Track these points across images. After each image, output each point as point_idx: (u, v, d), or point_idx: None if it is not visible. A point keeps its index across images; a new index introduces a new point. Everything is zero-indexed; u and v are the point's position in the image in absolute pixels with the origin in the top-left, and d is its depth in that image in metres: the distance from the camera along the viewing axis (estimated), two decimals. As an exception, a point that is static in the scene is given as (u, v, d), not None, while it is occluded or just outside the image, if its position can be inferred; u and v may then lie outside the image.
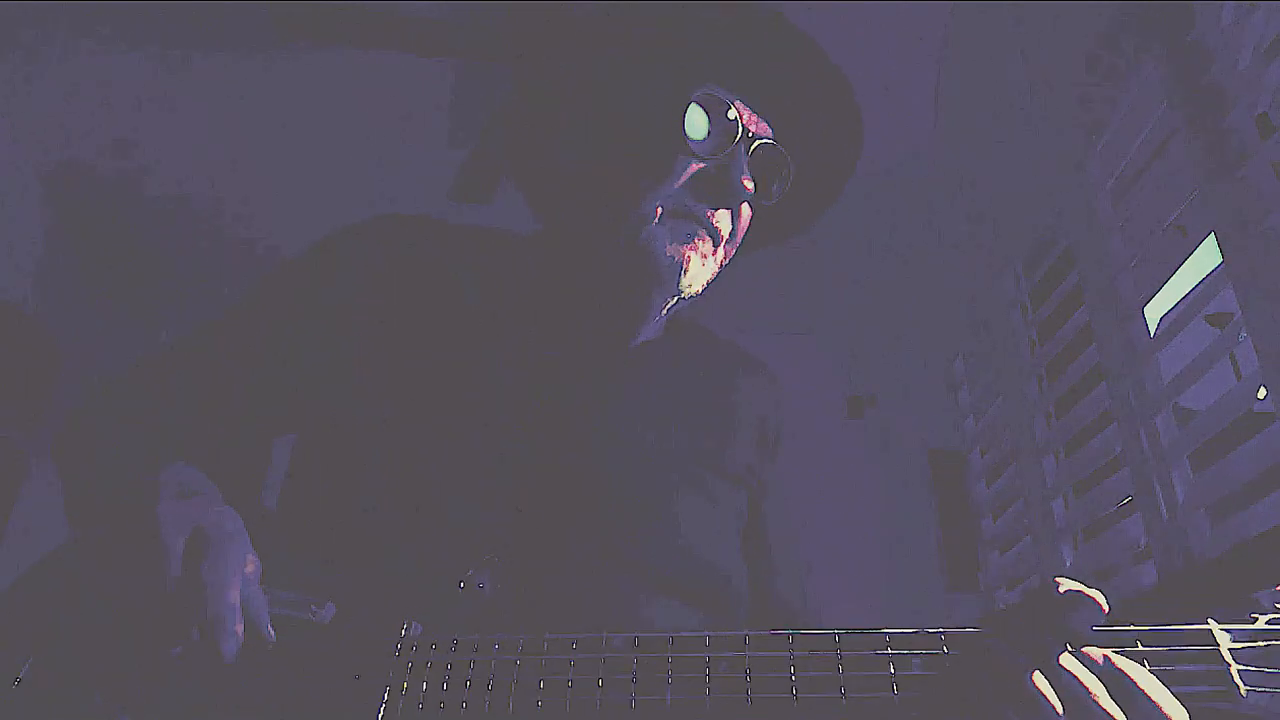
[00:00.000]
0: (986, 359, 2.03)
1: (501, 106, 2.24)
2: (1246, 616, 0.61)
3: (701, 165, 0.86)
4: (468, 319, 0.91)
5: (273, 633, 0.66)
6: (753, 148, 0.88)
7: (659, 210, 0.86)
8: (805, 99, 0.94)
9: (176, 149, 2.48)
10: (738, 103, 0.88)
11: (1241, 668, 0.59)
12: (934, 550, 2.14)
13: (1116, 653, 0.61)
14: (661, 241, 0.86)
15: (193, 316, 0.97)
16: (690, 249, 0.87)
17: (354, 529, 0.79)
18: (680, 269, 0.86)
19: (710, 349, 1.06)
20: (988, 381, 2.03)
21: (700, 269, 0.88)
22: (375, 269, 0.92)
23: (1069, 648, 0.60)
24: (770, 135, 0.91)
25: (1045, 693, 0.58)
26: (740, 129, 0.86)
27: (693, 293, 0.89)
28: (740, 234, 0.92)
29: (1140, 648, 0.61)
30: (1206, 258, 1.32)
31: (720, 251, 0.90)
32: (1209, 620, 0.61)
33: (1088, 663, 0.60)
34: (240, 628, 0.63)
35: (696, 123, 0.86)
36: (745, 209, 0.91)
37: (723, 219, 0.88)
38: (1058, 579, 0.63)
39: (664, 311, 0.92)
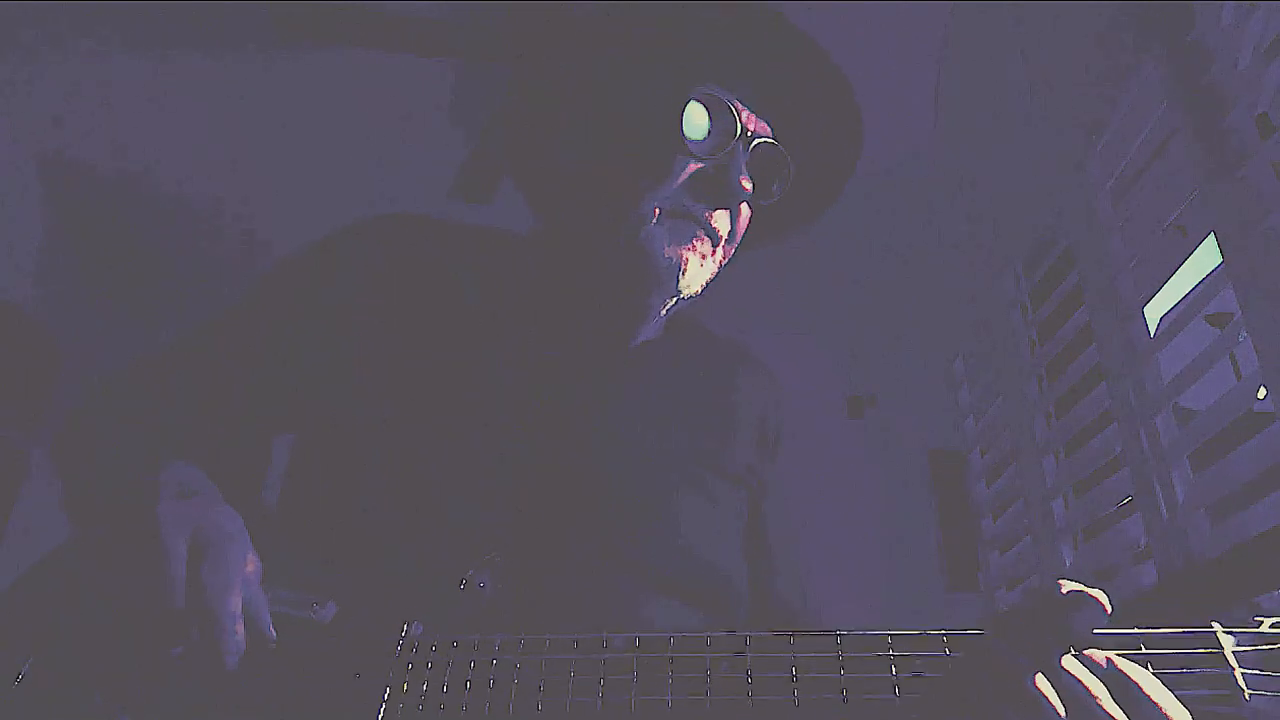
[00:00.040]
0: (986, 359, 2.03)
1: (501, 106, 2.24)
2: (1251, 620, 0.61)
3: (700, 165, 0.86)
4: (468, 319, 0.91)
5: (273, 632, 0.66)
6: (751, 147, 0.88)
7: (657, 211, 0.86)
8: (805, 98, 0.94)
9: (176, 149, 2.48)
10: (736, 102, 0.88)
11: (1246, 671, 0.58)
12: (934, 550, 2.14)
13: (1120, 655, 0.60)
14: (659, 242, 0.86)
15: (193, 316, 0.97)
16: (688, 250, 0.87)
17: (354, 528, 0.79)
18: (678, 270, 0.86)
19: (710, 348, 1.06)
20: (988, 381, 2.03)
21: (699, 269, 0.88)
22: (375, 268, 0.92)
23: (1071, 650, 0.60)
24: (769, 134, 0.91)
25: (1047, 695, 0.58)
26: (739, 128, 0.86)
27: (691, 293, 0.89)
28: (739, 234, 0.92)
29: (1144, 651, 0.60)
30: (1206, 258, 1.32)
31: (719, 252, 0.90)
32: (1213, 624, 0.61)
33: (1090, 665, 0.59)
34: (241, 629, 0.63)
35: (695, 122, 0.86)
36: (744, 209, 0.91)
37: (721, 219, 0.88)
38: (1060, 580, 0.63)
39: (663, 312, 0.92)
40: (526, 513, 0.81)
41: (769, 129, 0.91)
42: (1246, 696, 0.58)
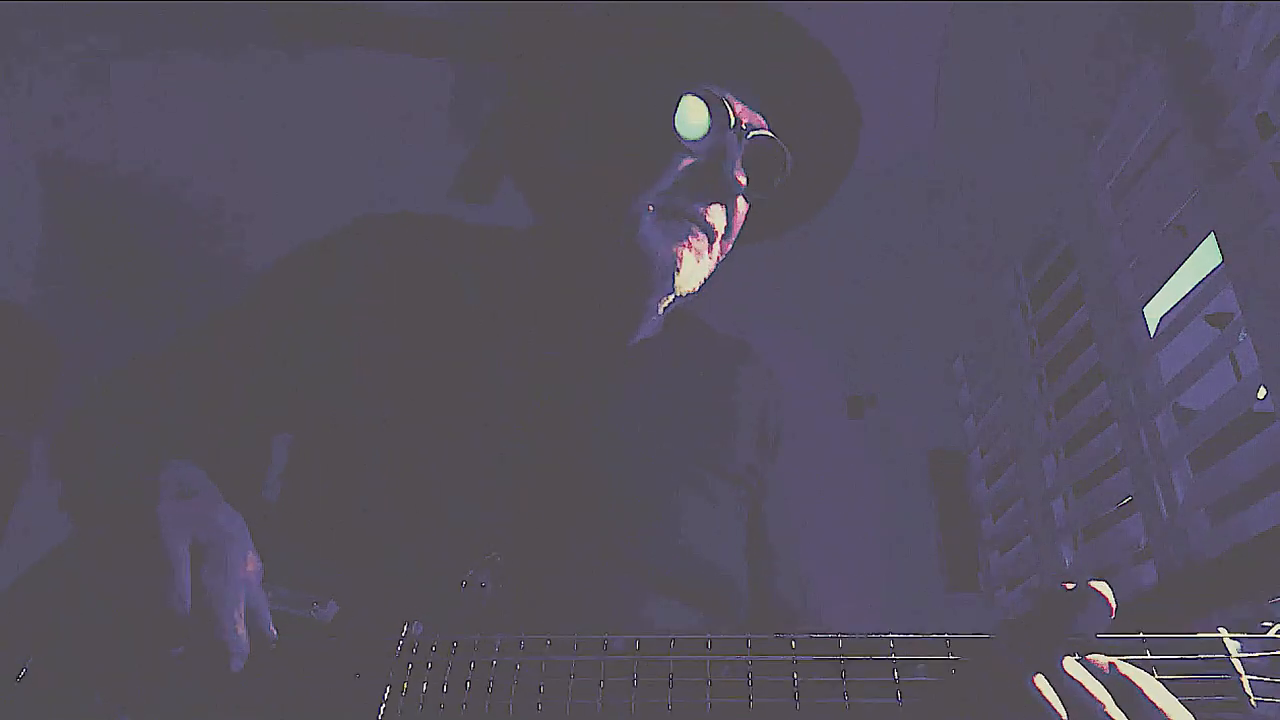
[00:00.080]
0: (986, 359, 2.03)
1: (500, 106, 2.24)
2: (1258, 626, 0.60)
3: (694, 160, 0.86)
4: (467, 318, 0.91)
5: (274, 631, 0.66)
6: (746, 140, 0.88)
7: (651, 209, 0.86)
8: (800, 89, 0.93)
9: (176, 149, 2.48)
10: (729, 96, 0.87)
11: (1253, 678, 0.58)
12: (934, 550, 2.14)
13: (1124, 660, 0.60)
14: (654, 240, 0.86)
15: (193, 316, 0.97)
16: (684, 247, 0.87)
17: (354, 527, 0.79)
18: (674, 268, 0.86)
19: (710, 345, 1.05)
20: (988, 381, 2.03)
21: (695, 267, 0.88)
22: (374, 267, 0.92)
23: (1076, 654, 0.60)
24: (764, 127, 0.90)
25: (1048, 698, 0.57)
26: (732, 120, 0.86)
27: (688, 290, 0.89)
28: (736, 229, 0.92)
29: (1149, 656, 0.60)
30: (1206, 258, 1.32)
31: (715, 248, 0.90)
32: (1220, 629, 0.60)
33: (1093, 669, 0.59)
34: (244, 631, 0.63)
35: (688, 117, 0.86)
36: (740, 203, 0.91)
37: (716, 214, 0.88)
38: (1065, 584, 0.62)
39: (660, 310, 0.92)
40: (526, 512, 0.80)
41: (764, 122, 0.91)
42: (1252, 703, 0.57)
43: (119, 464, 0.80)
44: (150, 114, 2.37)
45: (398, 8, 2.05)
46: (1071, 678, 0.58)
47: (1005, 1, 1.84)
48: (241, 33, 2.15)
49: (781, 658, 0.63)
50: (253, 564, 0.66)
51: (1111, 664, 0.59)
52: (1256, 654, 0.59)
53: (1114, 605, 0.60)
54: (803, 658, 0.63)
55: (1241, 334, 1.16)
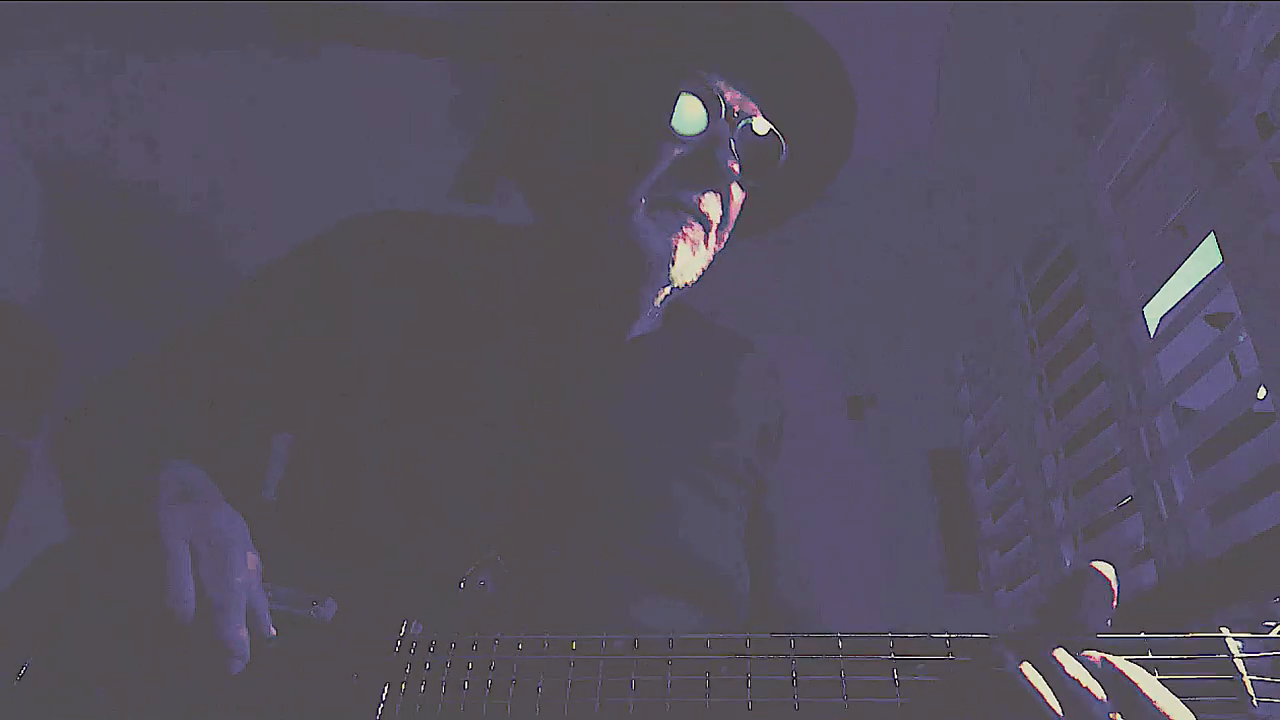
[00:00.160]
0: (986, 359, 2.03)
1: (497, 104, 2.24)
2: (1261, 625, 0.60)
3: (686, 149, 0.86)
4: (465, 315, 0.91)
5: (273, 631, 0.66)
6: (739, 128, 0.87)
7: (643, 201, 0.86)
8: (792, 74, 0.93)
9: (176, 149, 2.48)
10: (721, 83, 0.87)
11: (1254, 678, 0.57)
12: (934, 550, 2.14)
13: (1126, 659, 0.59)
14: (648, 232, 0.86)
15: (192, 317, 0.97)
16: (679, 238, 0.86)
17: (353, 526, 0.79)
18: (669, 259, 0.86)
19: (711, 341, 1.05)
20: (988, 381, 2.03)
21: (691, 258, 0.88)
22: (372, 265, 0.92)
23: (1066, 648, 0.60)
24: (757, 114, 0.90)
25: (1040, 690, 0.57)
26: (723, 108, 0.86)
27: (684, 282, 0.89)
28: (732, 218, 0.92)
29: (1150, 656, 0.60)
30: (1206, 258, 1.32)
31: (711, 238, 0.90)
32: (1222, 629, 0.60)
33: (1086, 663, 0.59)
34: (245, 634, 0.63)
35: (684, 114, 0.86)
36: (736, 192, 0.90)
37: (711, 203, 0.88)
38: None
39: (657, 303, 0.92)
40: (525, 511, 0.80)
41: (757, 109, 0.91)
42: (1254, 703, 0.57)
43: (119, 464, 0.80)
44: (150, 114, 2.37)
45: (398, 8, 2.05)
46: (1064, 669, 0.58)
47: (1005, 1, 1.84)
48: (241, 33, 2.15)
49: (781, 656, 0.63)
50: (253, 563, 0.66)
51: (1105, 658, 0.59)
52: (1259, 654, 0.59)
53: (1115, 586, 0.60)
54: (802, 657, 0.63)
55: (1241, 334, 1.16)
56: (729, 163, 0.85)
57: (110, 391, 0.92)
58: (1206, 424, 1.22)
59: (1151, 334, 1.39)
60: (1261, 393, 1.12)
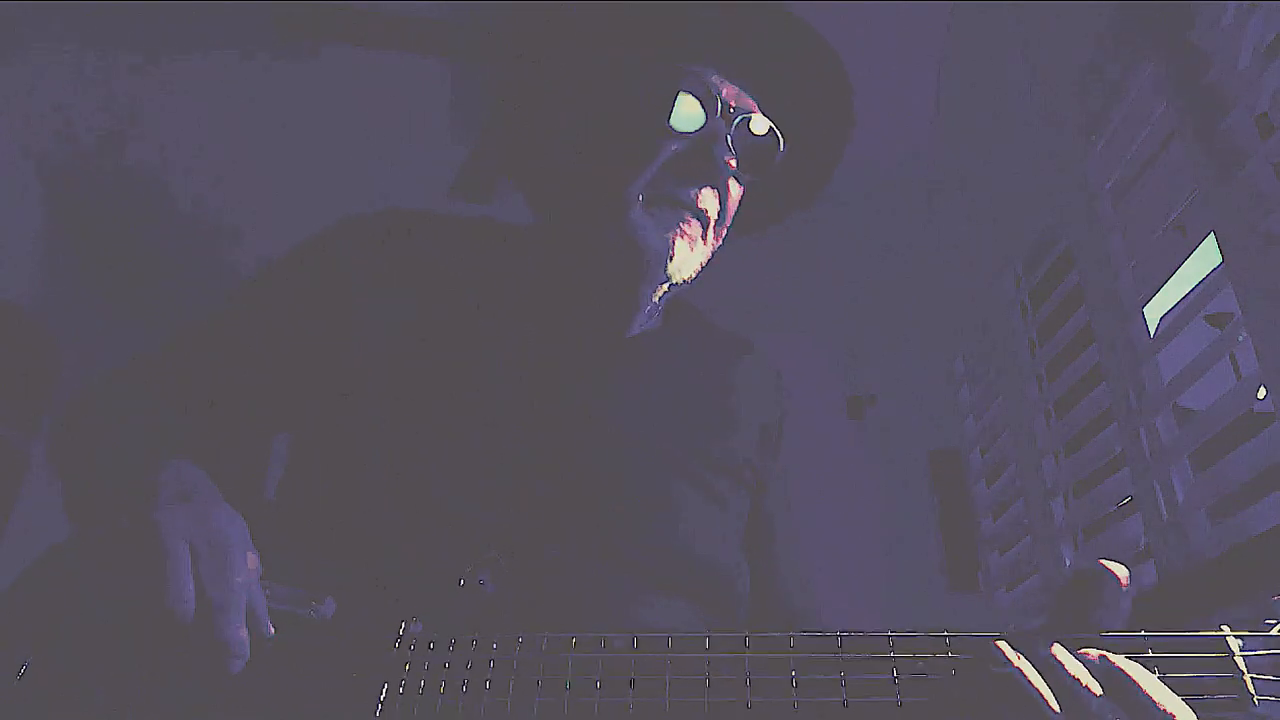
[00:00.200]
0: (986, 359, 2.03)
1: (495, 103, 2.24)
2: (1262, 624, 0.60)
3: (682, 145, 0.86)
4: (466, 315, 0.91)
5: (272, 630, 0.66)
6: (735, 123, 0.87)
7: (640, 198, 0.86)
8: (789, 69, 0.93)
9: (176, 149, 2.48)
10: (717, 78, 0.87)
11: (1255, 676, 0.57)
12: (934, 550, 2.14)
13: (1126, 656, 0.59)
14: (645, 228, 0.86)
15: (192, 317, 0.97)
16: (676, 235, 0.86)
17: (352, 525, 0.79)
18: (667, 255, 0.86)
19: (711, 340, 1.05)
20: (988, 381, 2.03)
21: (689, 254, 0.88)
22: (371, 263, 0.92)
23: (1065, 645, 0.60)
24: (755, 109, 0.90)
25: (1038, 686, 0.57)
26: (720, 104, 0.86)
27: (683, 279, 0.89)
28: (730, 214, 0.92)
29: (1151, 654, 0.60)
30: (1206, 258, 1.32)
31: (710, 235, 0.90)
32: (1222, 627, 0.60)
33: (1085, 662, 0.59)
34: (245, 634, 0.63)
35: (682, 113, 0.86)
36: (734, 188, 0.91)
37: (708, 199, 0.88)
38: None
39: (656, 299, 0.92)
40: (524, 509, 0.80)
41: (754, 105, 0.91)
42: (1255, 701, 0.57)
43: (118, 464, 0.80)
44: (150, 114, 2.37)
45: (398, 8, 2.05)
46: (1062, 666, 0.58)
47: (1005, 1, 1.84)
48: (241, 33, 2.15)
49: (781, 655, 0.63)
50: (252, 562, 0.66)
51: (1103, 655, 0.59)
52: (1259, 652, 0.59)
53: (1127, 585, 0.59)
54: (802, 656, 0.63)
55: (1241, 334, 1.16)
56: (725, 158, 0.85)
57: (109, 391, 0.92)
58: (1206, 424, 1.22)
59: (1151, 334, 1.39)
60: (1261, 393, 1.12)
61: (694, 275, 0.90)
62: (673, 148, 0.86)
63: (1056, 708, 0.56)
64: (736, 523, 0.95)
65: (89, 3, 2.07)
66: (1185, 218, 1.32)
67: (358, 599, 0.70)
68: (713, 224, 0.89)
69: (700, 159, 0.86)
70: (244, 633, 0.63)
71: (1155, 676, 0.58)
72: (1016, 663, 0.58)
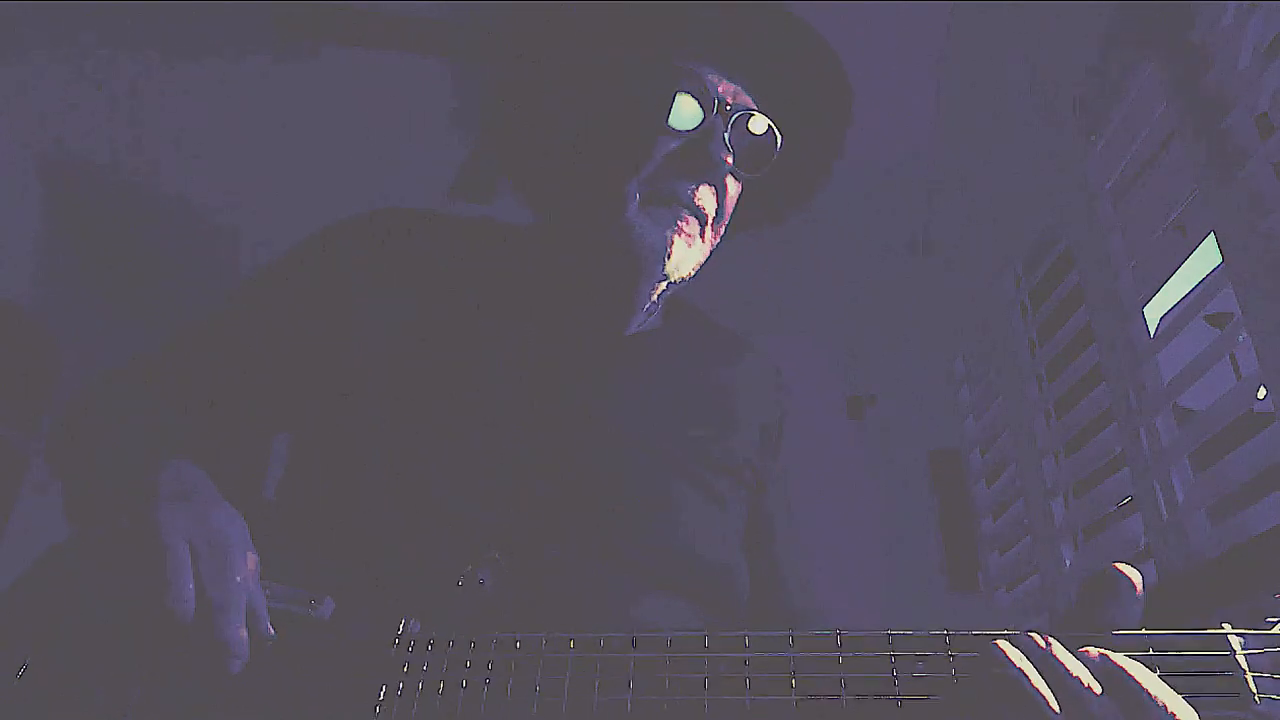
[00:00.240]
0: (986, 359, 2.03)
1: (492, 103, 2.24)
2: (1262, 622, 0.60)
3: (680, 143, 0.86)
4: (465, 314, 0.91)
5: (272, 630, 0.66)
6: (732, 120, 0.87)
7: (637, 195, 0.86)
8: (787, 66, 0.93)
9: (177, 149, 2.48)
10: (713, 76, 0.87)
11: (1257, 675, 0.57)
12: (934, 550, 2.14)
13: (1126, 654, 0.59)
14: (643, 226, 0.86)
15: (192, 317, 0.97)
16: (674, 232, 0.87)
17: (352, 525, 0.79)
18: (664, 253, 0.86)
19: (711, 339, 1.05)
20: (988, 381, 2.03)
21: (686, 252, 0.88)
22: (370, 263, 0.92)
23: (1064, 643, 0.60)
24: (752, 107, 0.90)
25: (1037, 686, 0.57)
26: (717, 102, 0.86)
27: (681, 276, 0.89)
28: (728, 211, 0.92)
29: (1152, 653, 0.59)
30: (1206, 258, 1.32)
31: (708, 232, 0.90)
32: (1224, 625, 0.60)
33: (1086, 661, 0.59)
34: (245, 634, 0.63)
35: (680, 112, 0.86)
36: (731, 185, 0.91)
37: (706, 196, 0.88)
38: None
39: (654, 298, 0.92)
40: (524, 508, 0.80)
41: (752, 102, 0.91)
42: (1256, 700, 0.57)
43: (118, 464, 0.80)
44: (150, 114, 2.37)
45: (398, 8, 2.05)
46: (1062, 665, 0.58)
47: (1005, 1, 1.84)
48: (241, 33, 2.15)
49: (779, 654, 0.63)
50: (252, 562, 0.66)
51: (1103, 654, 0.59)
52: (1260, 650, 0.58)
53: (1140, 588, 0.60)
54: (801, 655, 0.63)
55: (1241, 334, 1.16)
56: (723, 155, 0.85)
57: (109, 391, 0.92)
58: (1206, 424, 1.22)
59: (1151, 334, 1.39)
60: (1261, 393, 1.12)
61: (692, 273, 0.90)
62: (670, 146, 0.86)
63: (1057, 707, 0.56)
64: (736, 523, 0.95)
65: (89, 3, 2.07)
66: (1185, 218, 1.32)
67: (357, 599, 0.70)
68: (710, 222, 0.89)
69: (698, 156, 0.86)
70: (244, 633, 0.63)
71: (1156, 675, 0.58)
72: (1017, 663, 0.58)
